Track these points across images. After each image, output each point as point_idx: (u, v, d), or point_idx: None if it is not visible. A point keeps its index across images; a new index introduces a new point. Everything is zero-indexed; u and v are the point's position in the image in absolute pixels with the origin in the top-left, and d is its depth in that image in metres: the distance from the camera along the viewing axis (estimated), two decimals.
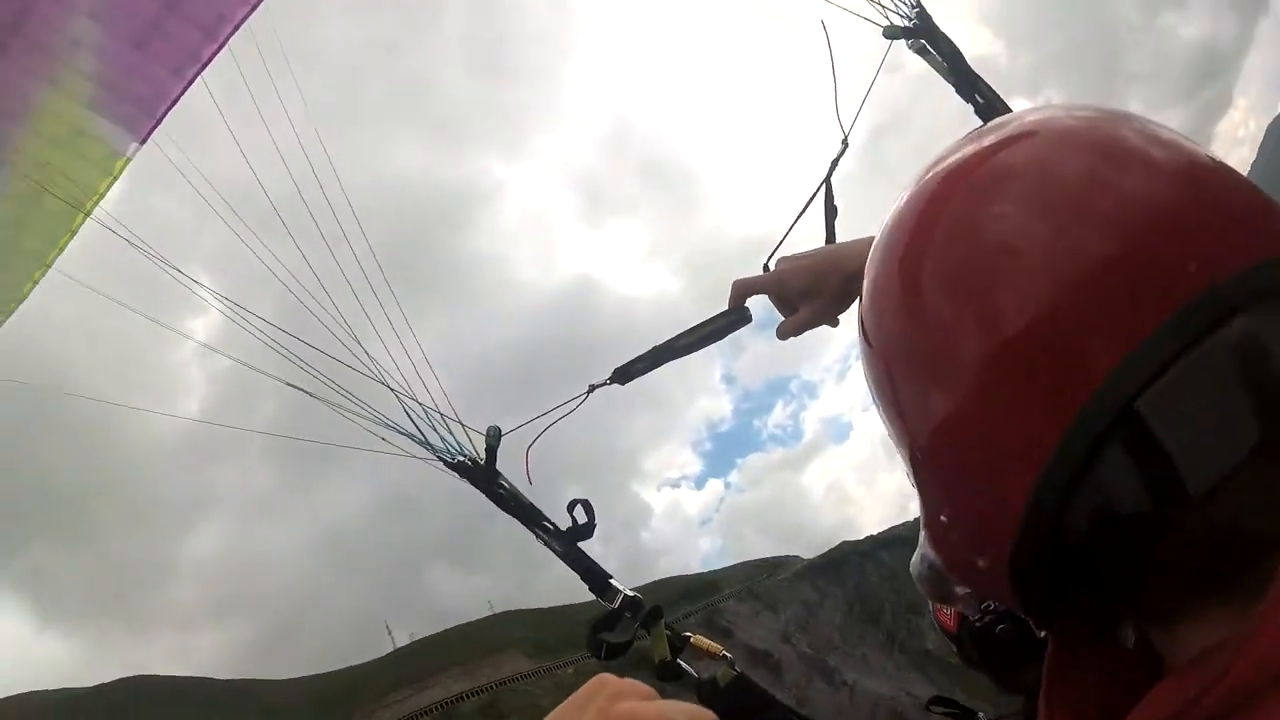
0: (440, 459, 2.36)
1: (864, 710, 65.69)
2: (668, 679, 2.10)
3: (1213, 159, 0.82)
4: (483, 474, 2.29)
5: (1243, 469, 0.72)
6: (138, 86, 3.10)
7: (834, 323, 1.71)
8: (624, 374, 2.05)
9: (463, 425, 2.38)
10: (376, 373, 2.53)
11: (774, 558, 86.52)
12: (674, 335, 2.01)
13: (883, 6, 2.86)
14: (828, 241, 1.99)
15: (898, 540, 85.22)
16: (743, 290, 1.85)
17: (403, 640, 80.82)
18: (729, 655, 2.09)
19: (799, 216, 2.04)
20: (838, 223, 2.01)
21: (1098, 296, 0.75)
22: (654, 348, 2.05)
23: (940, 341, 0.83)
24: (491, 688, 64.89)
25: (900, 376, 0.89)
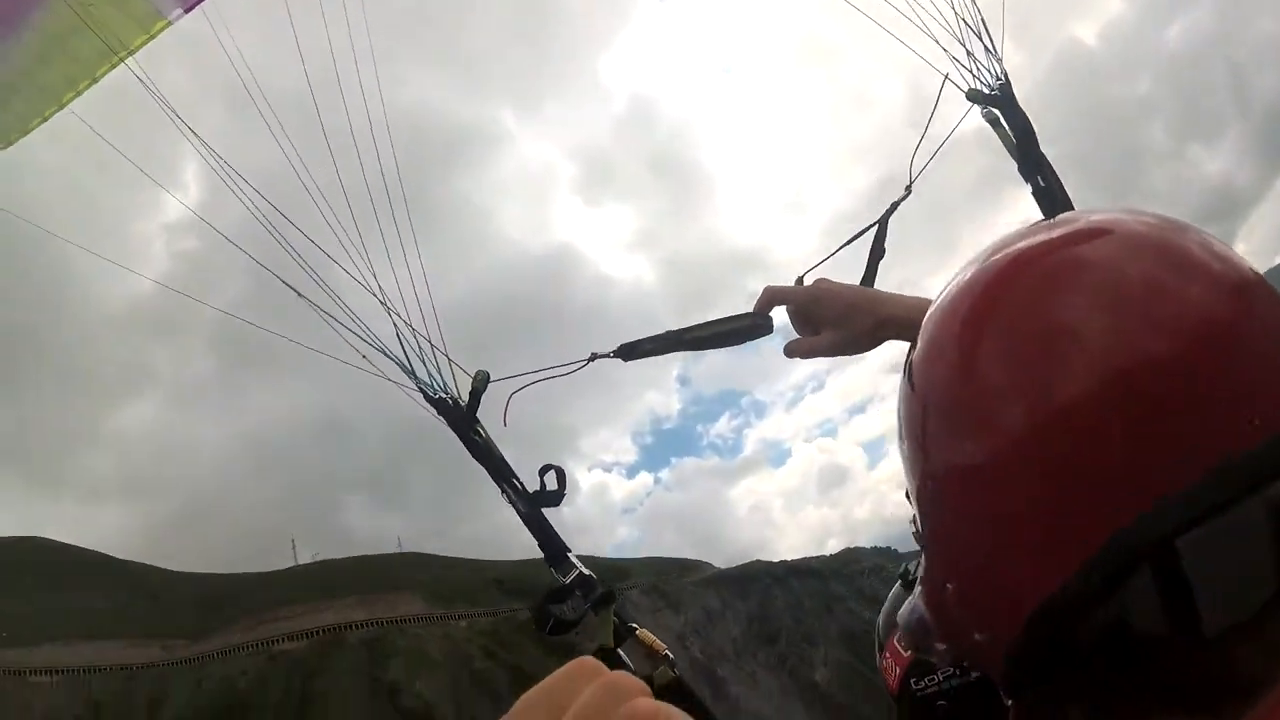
0: (422, 391, 2.34)
1: None
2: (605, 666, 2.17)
3: (1264, 283, 0.85)
4: (462, 416, 2.27)
5: (1254, 618, 0.75)
6: None
7: (849, 351, 1.73)
8: (629, 351, 2.05)
9: (450, 360, 2.36)
10: (373, 285, 2.49)
11: (687, 560, 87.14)
12: (689, 325, 2.01)
13: (969, 68, 2.81)
14: (866, 277, 2.00)
15: (810, 571, 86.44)
16: (774, 298, 1.84)
17: (306, 559, 80.00)
18: (671, 655, 2.07)
19: (846, 244, 2.04)
20: (850, 259, 2.03)
21: (1158, 408, 0.77)
22: (666, 333, 2.06)
23: (987, 402, 0.84)
24: (382, 623, 64.69)
25: (936, 424, 0.91)
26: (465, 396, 2.30)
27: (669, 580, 78.17)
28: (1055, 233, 0.89)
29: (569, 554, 2.17)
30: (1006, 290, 0.87)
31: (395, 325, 2.41)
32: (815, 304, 1.76)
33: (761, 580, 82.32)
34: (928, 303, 0.99)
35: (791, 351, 1.80)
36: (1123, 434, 0.77)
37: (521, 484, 2.21)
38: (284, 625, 62.84)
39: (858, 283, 1.98)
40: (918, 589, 0.97)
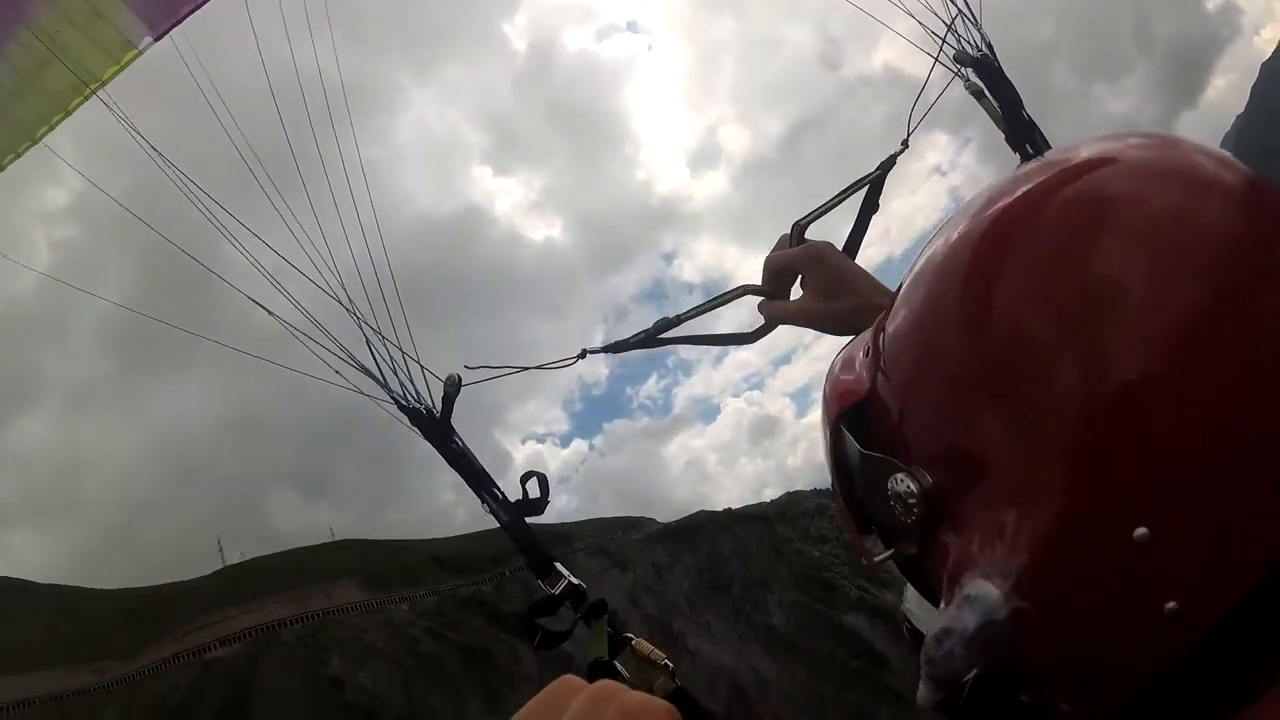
0: (395, 401, 2.28)
1: (703, 679, 66.68)
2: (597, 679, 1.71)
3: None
4: (436, 424, 2.20)
5: None
6: None
7: (823, 326, 1.61)
8: (619, 346, 2.01)
9: (423, 368, 2.31)
10: (339, 293, 2.49)
11: (629, 517, 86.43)
12: (681, 314, 1.93)
13: (955, 34, 2.91)
14: (854, 233, 1.86)
15: (755, 518, 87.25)
16: (779, 265, 1.67)
17: (235, 559, 77.59)
18: (670, 665, 1.98)
19: (839, 199, 1.92)
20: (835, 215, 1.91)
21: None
22: (656, 323, 1.97)
23: (1034, 365, 0.77)
24: (317, 616, 62.75)
25: (953, 400, 0.84)
26: (438, 403, 2.25)
27: (613, 539, 77.47)
28: (1055, 170, 0.85)
29: (556, 564, 2.13)
30: (1027, 235, 0.81)
31: (364, 334, 2.38)
32: (809, 269, 1.64)
33: (707, 530, 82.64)
34: None
35: (769, 312, 1.70)
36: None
37: (502, 492, 2.16)
38: (213, 631, 60.87)
39: (846, 232, 1.89)
40: (973, 590, 0.80)
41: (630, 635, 2.09)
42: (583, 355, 2.02)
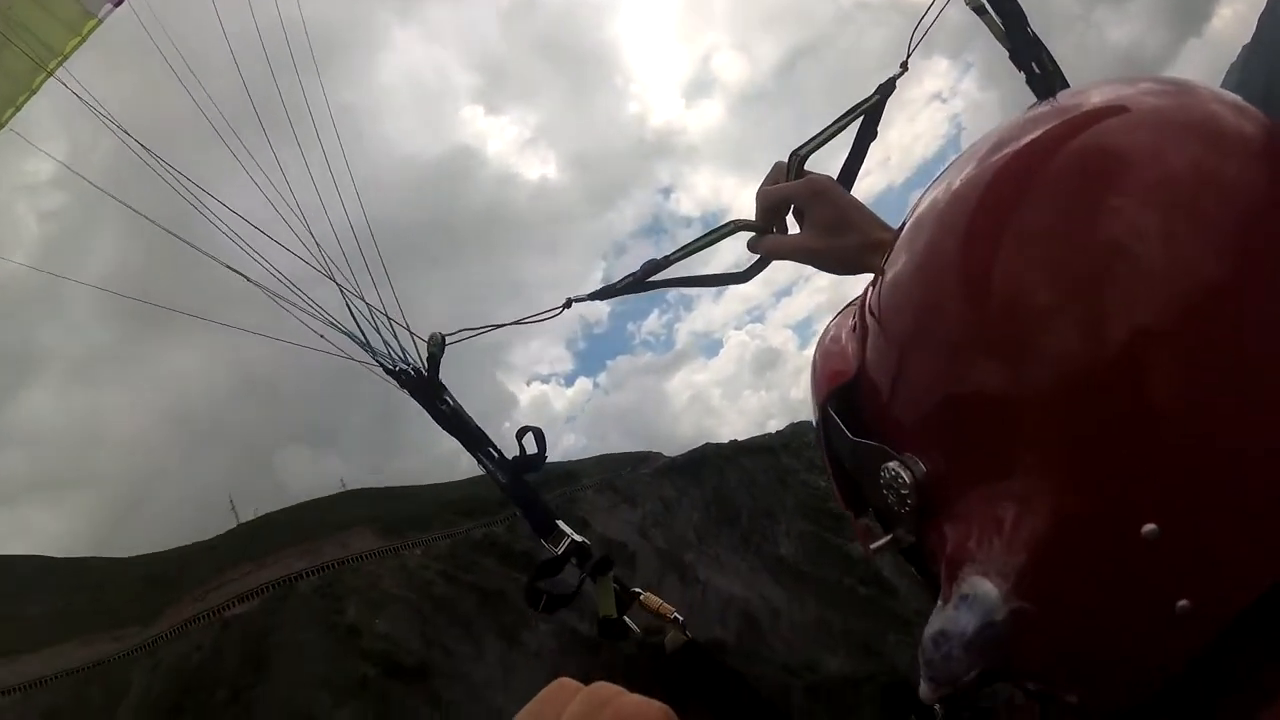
0: (380, 364, 2.24)
1: (714, 608, 67.44)
2: (610, 637, 1.96)
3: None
4: (424, 386, 2.14)
5: None
6: None
7: (821, 264, 1.52)
8: (605, 293, 1.94)
9: (410, 331, 2.25)
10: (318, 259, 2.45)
11: (635, 453, 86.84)
12: (670, 254, 1.85)
13: None
14: (849, 162, 1.78)
15: (761, 449, 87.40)
16: (775, 199, 1.59)
17: (248, 517, 78.51)
18: (680, 618, 1.95)
19: (838, 126, 1.80)
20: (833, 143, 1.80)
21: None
22: (644, 265, 1.88)
23: (1035, 340, 0.72)
24: (332, 566, 63.62)
25: (947, 376, 0.78)
26: (424, 362, 2.20)
27: (621, 475, 77.88)
28: (1065, 119, 0.79)
29: (558, 522, 2.09)
30: (1032, 192, 0.76)
31: (344, 296, 2.34)
32: (809, 204, 1.54)
33: (712, 463, 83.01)
34: None
35: (761, 248, 1.62)
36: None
37: (499, 450, 2.13)
38: (231, 589, 61.89)
39: (842, 161, 1.81)
40: (971, 589, 0.76)
41: (639, 590, 2.04)
42: (568, 305, 1.93)
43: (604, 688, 0.67)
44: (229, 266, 2.58)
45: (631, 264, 1.89)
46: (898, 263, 0.85)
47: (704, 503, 78.58)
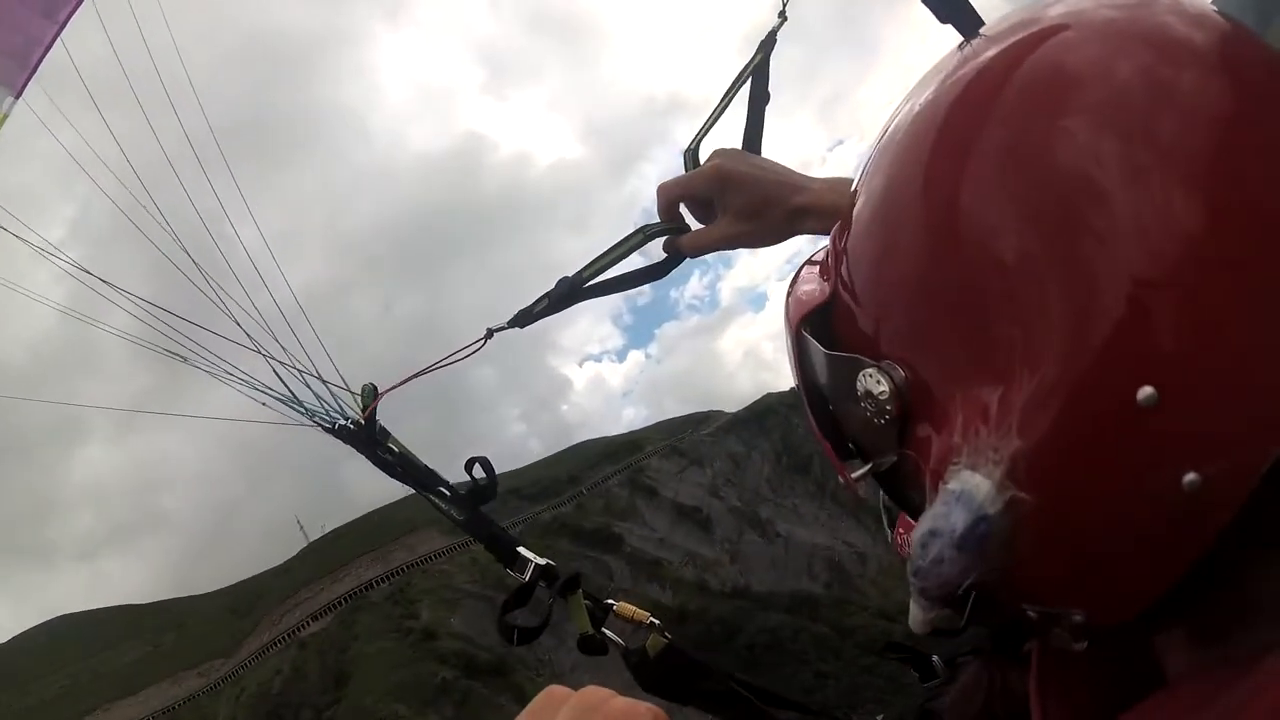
0: (317, 424, 2.17)
1: (799, 560, 64.97)
2: (592, 653, 1.94)
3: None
4: (364, 439, 2.05)
5: None
6: (8, 36, 2.99)
7: (752, 244, 1.52)
8: (524, 318, 1.90)
9: (345, 386, 2.15)
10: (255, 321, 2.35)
11: (696, 413, 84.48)
12: (583, 269, 1.82)
13: None
14: (749, 130, 1.69)
15: None
16: (676, 195, 1.57)
17: (316, 535, 78.87)
18: (656, 621, 1.93)
19: (726, 99, 1.76)
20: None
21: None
22: (560, 282, 1.86)
23: (1005, 273, 0.69)
24: (402, 571, 63.03)
25: (920, 300, 0.76)
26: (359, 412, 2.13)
27: (685, 438, 75.64)
28: (1014, 41, 0.76)
29: (519, 549, 2.05)
30: (986, 123, 0.73)
31: (269, 362, 2.27)
32: (721, 192, 1.51)
33: (777, 412, 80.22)
34: (848, 183, 0.88)
35: (679, 246, 1.59)
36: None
37: (450, 487, 2.08)
38: (305, 608, 61.74)
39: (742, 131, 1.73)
40: (959, 484, 0.71)
41: (610, 601, 1.97)
42: (489, 335, 1.86)
43: (594, 692, 0.67)
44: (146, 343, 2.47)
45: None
46: (867, 186, 0.82)
47: (774, 454, 75.65)
